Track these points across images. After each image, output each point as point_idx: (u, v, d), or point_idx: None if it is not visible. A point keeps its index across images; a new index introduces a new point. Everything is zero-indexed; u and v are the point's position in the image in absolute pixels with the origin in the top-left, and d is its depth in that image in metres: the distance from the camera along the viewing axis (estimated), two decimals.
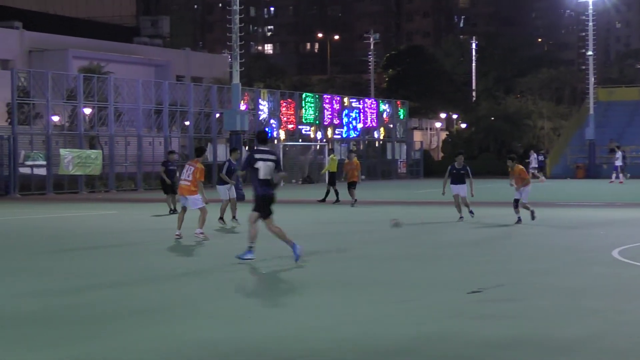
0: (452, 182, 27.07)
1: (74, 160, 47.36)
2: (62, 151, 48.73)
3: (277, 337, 10.31)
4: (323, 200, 37.39)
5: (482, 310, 12.11)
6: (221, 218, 25.96)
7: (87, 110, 54.09)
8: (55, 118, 54.11)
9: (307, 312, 11.98)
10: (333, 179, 38.38)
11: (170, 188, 31.35)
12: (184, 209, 22.22)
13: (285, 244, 16.81)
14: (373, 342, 10.07)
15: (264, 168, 16.52)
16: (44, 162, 49.59)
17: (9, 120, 56.12)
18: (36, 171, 49.91)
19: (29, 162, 49.72)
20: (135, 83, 57.62)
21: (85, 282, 14.94)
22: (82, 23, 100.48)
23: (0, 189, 47.87)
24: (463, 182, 26.92)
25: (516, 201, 25.89)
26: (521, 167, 26.45)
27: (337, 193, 37.39)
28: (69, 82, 54.35)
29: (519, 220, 25.55)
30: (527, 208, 25.94)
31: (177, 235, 21.78)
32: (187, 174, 21.91)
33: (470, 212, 27.00)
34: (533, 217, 25.89)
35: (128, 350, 9.66)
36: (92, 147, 53.68)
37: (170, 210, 30.90)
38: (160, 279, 15.25)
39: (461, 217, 26.82)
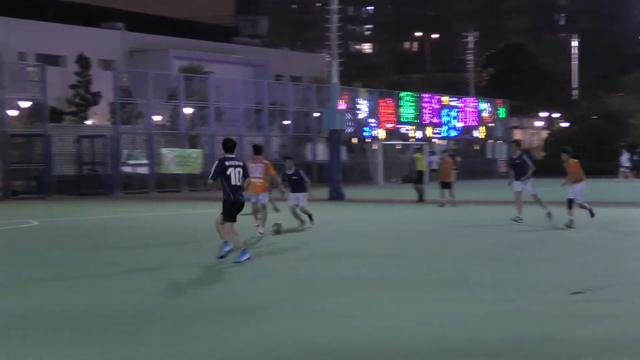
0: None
1: (176, 159, 47.87)
2: (164, 150, 49.31)
3: (372, 337, 10.22)
4: (421, 200, 37.18)
5: (585, 311, 11.84)
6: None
7: (188, 110, 54.67)
8: (157, 117, 54.80)
9: (402, 311, 11.85)
10: (420, 177, 38.30)
11: None
12: (257, 207, 22.43)
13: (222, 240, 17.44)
14: (470, 343, 9.92)
15: (234, 175, 17.04)
16: (146, 161, 50.26)
17: (112, 119, 57.00)
18: (138, 170, 50.63)
19: (132, 161, 50.46)
20: (235, 83, 58.07)
21: (190, 278, 15.05)
22: (183, 23, 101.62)
23: (104, 187, 48.67)
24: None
25: (570, 201, 23.93)
26: (576, 161, 24.44)
27: (422, 192, 37.37)
28: (170, 82, 55.06)
29: (571, 223, 23.42)
30: (584, 207, 24.38)
31: (260, 232, 22.19)
32: (258, 172, 22.13)
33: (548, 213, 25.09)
34: (592, 215, 24.51)
35: (231, 348, 9.67)
36: (193, 146, 54.23)
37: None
38: (258, 276, 15.26)
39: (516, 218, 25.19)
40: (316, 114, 59.83)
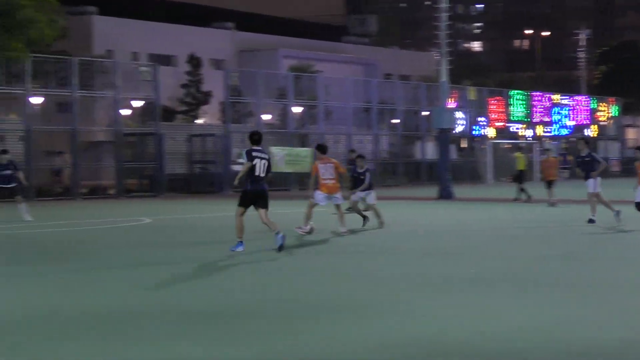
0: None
1: (285, 157, 48.11)
2: (273, 149, 49.57)
3: (474, 337, 10.09)
4: (528, 200, 36.74)
5: None
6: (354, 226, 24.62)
7: (297, 109, 54.97)
8: (267, 116, 55.24)
9: (511, 311, 11.68)
10: (520, 177, 37.91)
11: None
12: (314, 205, 22.16)
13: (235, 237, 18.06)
14: (574, 345, 9.73)
15: (259, 166, 17.92)
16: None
17: (223, 118, 57.62)
18: None
19: (242, 160, 50.84)
20: (344, 81, 58.20)
21: (294, 276, 15.11)
22: (292, 23, 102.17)
23: (214, 186, 49.25)
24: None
25: (638, 204, 22.79)
26: None
27: (522, 191, 36.99)
28: (279, 81, 55.45)
29: None
30: None
31: (344, 232, 21.94)
32: (329, 173, 22.00)
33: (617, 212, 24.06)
34: None
35: (340, 345, 9.66)
36: (302, 145, 54.47)
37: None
38: (352, 276, 15.22)
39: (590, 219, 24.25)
40: (425, 113, 59.59)
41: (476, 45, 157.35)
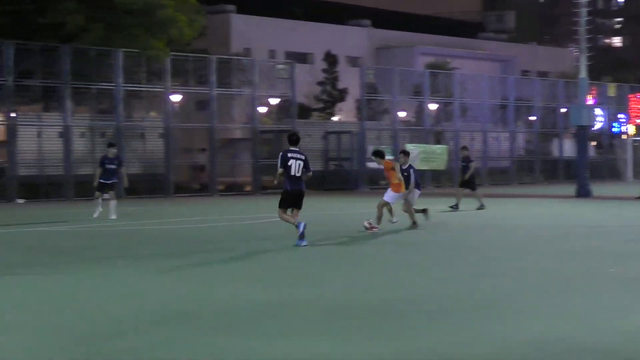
0: None
1: (420, 155, 47.90)
2: (409, 146, 49.47)
3: (610, 335, 9.90)
4: None
5: None
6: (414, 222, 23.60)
7: (433, 106, 54.75)
8: (402, 113, 55.17)
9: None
10: None
11: (467, 183, 32.13)
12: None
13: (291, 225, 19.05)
14: None
15: (295, 166, 18.88)
16: (392, 157, 50.63)
17: (358, 116, 57.77)
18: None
19: (373, 158, 50.84)
20: (480, 78, 57.73)
21: (413, 275, 15.07)
22: (428, 20, 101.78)
23: (348, 183, 49.42)
24: None
25: None
26: None
27: None
28: (415, 78, 55.32)
29: None
30: None
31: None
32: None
33: None
34: None
35: (473, 343, 9.61)
36: (437, 142, 54.23)
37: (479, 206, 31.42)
38: (493, 273, 15.09)
39: None
40: (563, 110, 58.66)
41: (616, 41, 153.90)
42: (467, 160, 32.56)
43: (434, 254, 18.35)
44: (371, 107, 52.80)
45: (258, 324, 10.71)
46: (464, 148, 34.15)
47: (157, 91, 43.88)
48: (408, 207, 23.75)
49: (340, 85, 77.20)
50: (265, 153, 47.76)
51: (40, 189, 39.47)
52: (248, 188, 47.08)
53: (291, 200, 19.19)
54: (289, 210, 19.27)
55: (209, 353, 9.28)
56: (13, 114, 39.32)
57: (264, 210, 30.41)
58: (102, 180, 26.78)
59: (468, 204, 31.39)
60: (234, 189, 46.20)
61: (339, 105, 78.06)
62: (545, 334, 10.07)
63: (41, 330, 10.46)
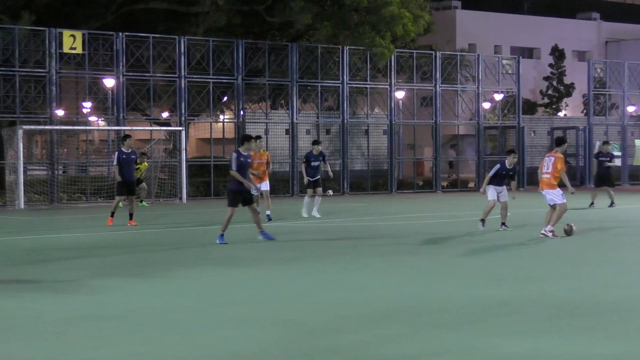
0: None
1: None
2: (638, 142, 48.20)
3: None
4: None
5: None
6: (482, 220, 22.45)
7: None
8: (631, 108, 53.60)
9: None
10: None
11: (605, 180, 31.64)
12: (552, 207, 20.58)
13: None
14: None
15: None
16: (619, 153, 49.31)
17: (585, 111, 56.50)
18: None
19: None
20: None
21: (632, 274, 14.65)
22: None
23: (576, 179, 48.40)
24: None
25: None
26: None
27: None
28: None
29: None
30: None
31: (549, 232, 20.22)
32: (547, 166, 20.60)
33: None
34: None
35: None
36: None
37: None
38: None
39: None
40: None
41: None
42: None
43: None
44: (599, 102, 51.51)
45: (484, 322, 10.71)
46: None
47: (382, 88, 44.26)
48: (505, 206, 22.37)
49: (567, 80, 75.77)
50: (491, 149, 47.39)
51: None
52: (472, 184, 46.85)
53: (239, 198, 19.52)
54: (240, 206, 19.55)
55: (437, 349, 9.34)
56: (242, 112, 40.53)
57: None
58: (310, 178, 27.01)
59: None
60: (457, 186, 46.05)
61: (566, 100, 76.64)
62: None
63: (271, 323, 10.79)
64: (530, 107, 69.91)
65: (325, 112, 43.95)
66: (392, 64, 43.09)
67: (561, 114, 73.86)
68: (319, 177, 27.26)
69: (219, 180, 38.34)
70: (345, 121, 42.26)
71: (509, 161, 22.59)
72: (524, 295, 12.63)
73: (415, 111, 44.86)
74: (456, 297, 12.48)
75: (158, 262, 16.77)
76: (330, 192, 30.05)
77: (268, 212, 25.71)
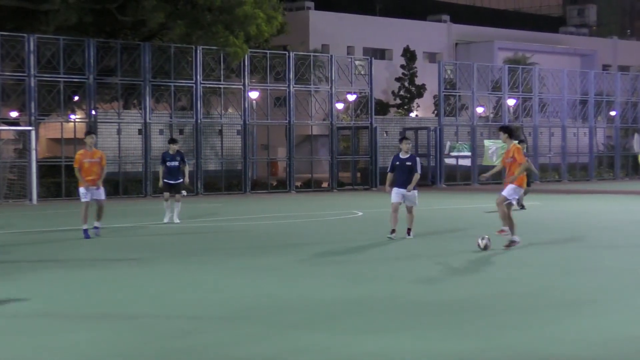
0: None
1: (498, 151, 47.74)
2: (487, 142, 49.28)
3: None
4: None
5: None
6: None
7: (511, 101, 54.31)
8: (480, 109, 54.83)
9: None
10: None
11: None
12: None
13: None
14: None
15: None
16: (469, 153, 50.38)
17: (436, 111, 57.54)
18: (461, 162, 50.81)
19: (454, 153, 50.70)
20: (560, 73, 57.13)
21: (519, 271, 14.97)
22: (508, 14, 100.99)
23: (427, 179, 49.23)
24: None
25: None
26: None
27: None
28: (493, 73, 54.92)
29: None
30: None
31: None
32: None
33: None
34: None
35: (554, 341, 9.52)
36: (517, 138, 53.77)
37: None
38: (586, 271, 14.95)
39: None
40: None
41: None
42: None
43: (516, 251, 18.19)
44: (449, 103, 52.54)
45: (338, 321, 10.77)
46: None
47: (236, 88, 44.16)
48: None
49: (419, 81, 76.99)
50: (343, 149, 47.80)
51: (120, 185, 39.96)
52: (325, 184, 47.19)
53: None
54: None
55: (292, 349, 9.36)
56: (94, 111, 39.88)
57: (341, 206, 30.41)
58: (166, 180, 25.20)
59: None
60: (311, 185, 46.29)
61: (417, 101, 77.87)
62: (625, 333, 9.98)
63: (125, 325, 10.63)
64: (382, 108, 70.77)
65: (179, 112, 43.63)
66: (246, 64, 43.04)
67: (413, 114, 74.99)
68: (180, 180, 25.17)
69: (70, 180, 37.62)
70: (199, 121, 42.04)
71: (403, 148, 21.05)
72: (379, 294, 12.76)
73: (269, 111, 44.92)
74: (311, 297, 12.53)
75: (6, 264, 16.35)
76: (184, 192, 29.63)
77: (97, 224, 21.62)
